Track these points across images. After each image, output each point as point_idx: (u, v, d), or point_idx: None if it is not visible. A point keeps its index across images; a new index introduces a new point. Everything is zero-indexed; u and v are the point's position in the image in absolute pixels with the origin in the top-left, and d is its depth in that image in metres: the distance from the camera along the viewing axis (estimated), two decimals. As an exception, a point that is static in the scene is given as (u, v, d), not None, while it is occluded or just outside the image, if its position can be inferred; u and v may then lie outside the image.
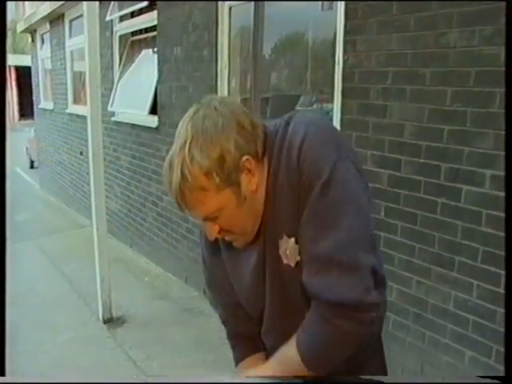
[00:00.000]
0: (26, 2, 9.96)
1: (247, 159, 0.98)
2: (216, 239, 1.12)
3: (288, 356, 1.04)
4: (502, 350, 2.00)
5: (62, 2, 6.71)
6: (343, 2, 2.60)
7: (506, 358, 0.96)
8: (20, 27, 9.78)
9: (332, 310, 0.95)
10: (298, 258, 1.02)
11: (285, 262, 1.05)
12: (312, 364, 1.01)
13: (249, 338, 1.27)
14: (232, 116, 0.99)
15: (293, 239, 1.02)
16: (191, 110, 1.01)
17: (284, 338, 1.14)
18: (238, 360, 1.30)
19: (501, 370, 1.99)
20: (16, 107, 24.56)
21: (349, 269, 0.93)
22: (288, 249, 1.03)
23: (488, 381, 0.93)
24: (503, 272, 2.00)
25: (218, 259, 1.21)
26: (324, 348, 1.00)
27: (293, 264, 1.04)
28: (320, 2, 2.86)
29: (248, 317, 1.24)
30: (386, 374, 1.22)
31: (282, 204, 1.01)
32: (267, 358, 1.22)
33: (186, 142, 0.96)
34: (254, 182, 1.01)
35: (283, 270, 1.06)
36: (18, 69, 21.98)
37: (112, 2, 5.40)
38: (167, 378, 1.09)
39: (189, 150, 0.95)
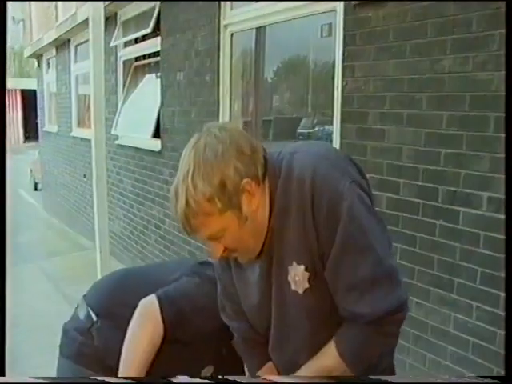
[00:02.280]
0: (34, 28, 10.18)
1: (247, 182, 1.03)
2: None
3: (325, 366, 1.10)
4: (503, 372, 2.00)
5: (67, 29, 6.87)
6: (341, 31, 2.67)
7: (506, 358, 0.98)
8: (27, 52, 9.99)
9: (383, 322, 1.03)
10: (307, 286, 1.07)
11: (293, 288, 1.09)
12: (357, 369, 1.09)
13: (261, 347, 1.27)
14: (231, 142, 1.04)
15: (302, 266, 1.06)
16: (193, 139, 1.07)
17: (287, 357, 1.20)
18: (256, 369, 1.29)
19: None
20: (21, 130, 24.80)
21: (389, 278, 1.04)
22: (297, 275, 1.07)
23: (488, 381, 0.93)
24: (502, 294, 2.01)
25: (228, 275, 1.25)
26: (365, 351, 1.09)
27: (301, 291, 1.08)
28: (319, 30, 2.94)
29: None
30: (393, 374, 1.25)
31: (291, 232, 1.06)
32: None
33: (188, 171, 1.02)
34: (255, 203, 1.06)
35: (290, 296, 1.10)
36: (23, 92, 22.28)
37: (117, 28, 5.53)
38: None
39: (191, 179, 1.02)
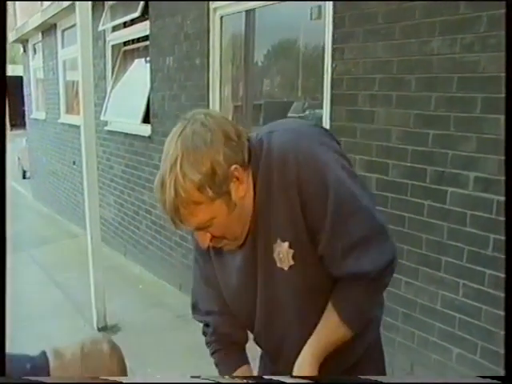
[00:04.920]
0: (18, 12, 10.00)
1: (235, 168, 1.02)
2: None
3: (329, 329, 1.11)
4: (488, 346, 2.06)
5: (54, 13, 6.76)
6: (331, 13, 2.68)
7: (506, 358, 1.00)
8: (11, 37, 9.79)
9: (383, 275, 1.08)
10: (292, 263, 1.08)
11: (278, 265, 1.10)
12: (357, 327, 1.12)
13: (238, 346, 1.28)
14: (219, 129, 1.02)
15: (286, 243, 1.07)
16: (178, 128, 1.03)
17: (274, 340, 1.21)
18: (232, 370, 1.26)
19: (485, 365, 2.05)
20: (6, 117, 24.47)
21: (382, 231, 1.07)
22: (281, 252, 1.08)
23: (488, 381, 0.97)
24: (488, 271, 2.06)
25: (208, 259, 1.26)
26: (366, 309, 1.14)
27: (286, 268, 1.09)
28: (309, 12, 2.94)
29: (237, 323, 1.27)
30: (384, 374, 1.26)
31: (276, 210, 1.07)
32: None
33: (176, 159, 0.98)
34: (243, 189, 1.05)
35: (276, 273, 1.12)
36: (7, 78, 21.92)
37: (104, 13, 5.47)
38: (167, 378, 1.11)
39: (180, 168, 0.98)
